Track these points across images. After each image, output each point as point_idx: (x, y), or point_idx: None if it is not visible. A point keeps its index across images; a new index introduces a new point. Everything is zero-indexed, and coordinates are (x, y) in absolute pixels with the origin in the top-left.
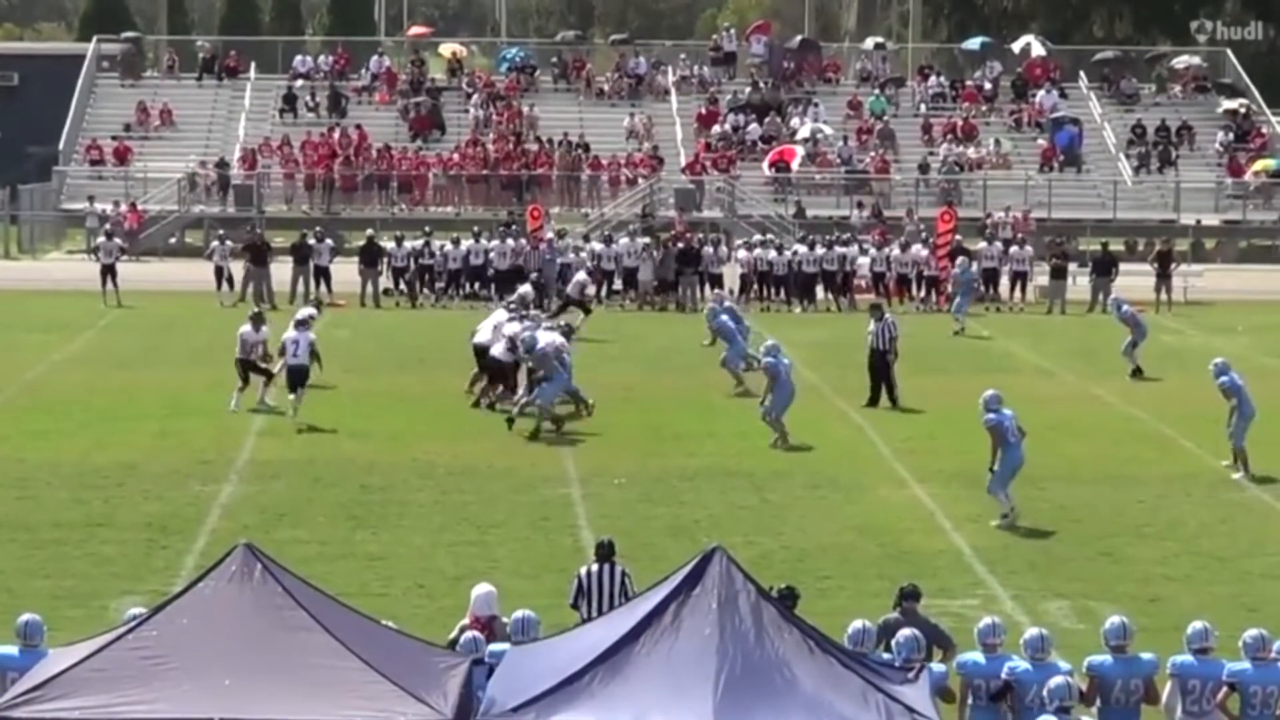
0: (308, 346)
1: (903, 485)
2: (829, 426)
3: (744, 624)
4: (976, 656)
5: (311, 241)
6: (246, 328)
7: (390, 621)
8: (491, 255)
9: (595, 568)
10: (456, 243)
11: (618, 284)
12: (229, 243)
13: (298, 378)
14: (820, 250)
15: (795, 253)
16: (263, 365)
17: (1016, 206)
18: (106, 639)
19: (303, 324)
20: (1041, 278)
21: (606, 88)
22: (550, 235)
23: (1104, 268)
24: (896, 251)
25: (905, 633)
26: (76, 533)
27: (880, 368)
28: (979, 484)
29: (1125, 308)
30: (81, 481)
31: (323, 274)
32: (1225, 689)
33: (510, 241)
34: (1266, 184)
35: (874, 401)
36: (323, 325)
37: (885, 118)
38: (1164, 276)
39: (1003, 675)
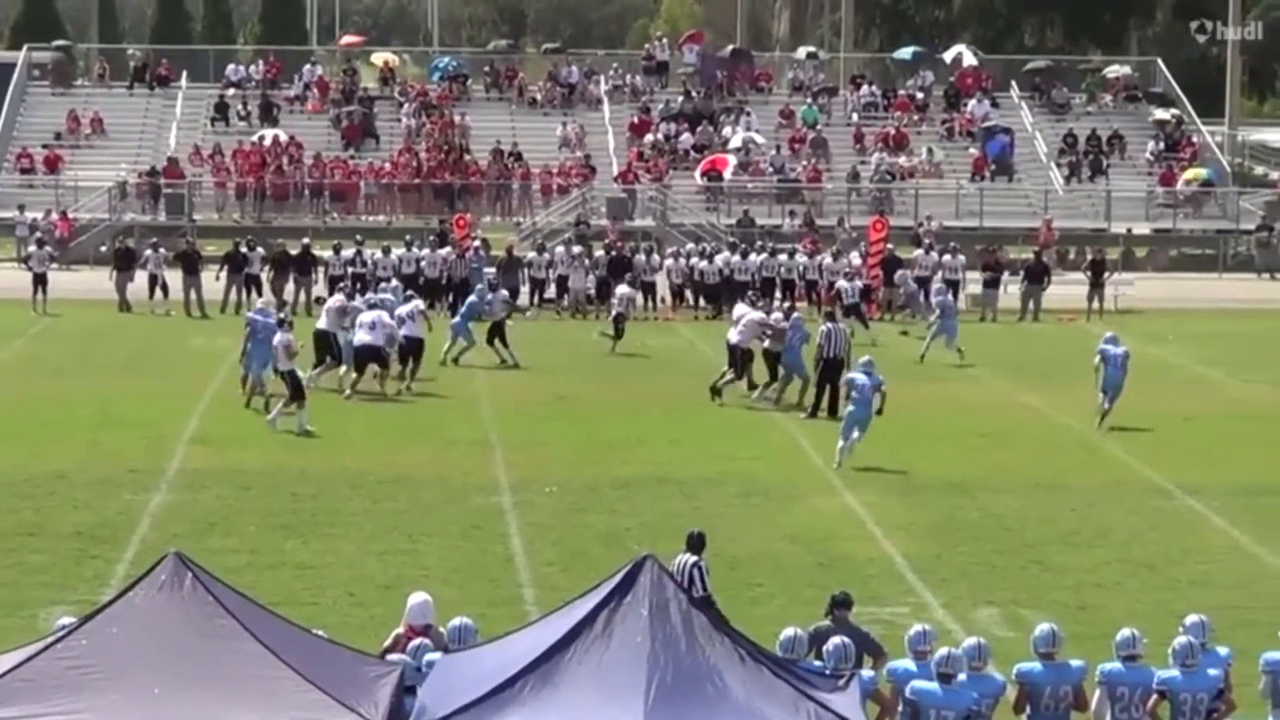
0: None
1: (835, 493)
2: (762, 434)
3: (675, 632)
4: (907, 664)
5: (245, 250)
6: (280, 335)
7: (321, 630)
8: (423, 264)
9: (680, 560)
10: (387, 251)
11: (550, 292)
12: (163, 251)
13: (369, 356)
14: (755, 258)
15: (727, 261)
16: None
17: (1040, 218)
18: (35, 648)
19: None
20: (974, 286)
21: (539, 97)
22: (477, 243)
23: (1035, 276)
24: (829, 260)
25: (835, 640)
26: (6, 541)
27: (830, 375)
28: (911, 492)
29: (941, 298)
30: (12, 490)
31: (254, 282)
32: (1155, 696)
33: (442, 250)
34: (1197, 193)
35: (816, 412)
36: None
37: (817, 127)
38: (1096, 285)
39: (909, 694)
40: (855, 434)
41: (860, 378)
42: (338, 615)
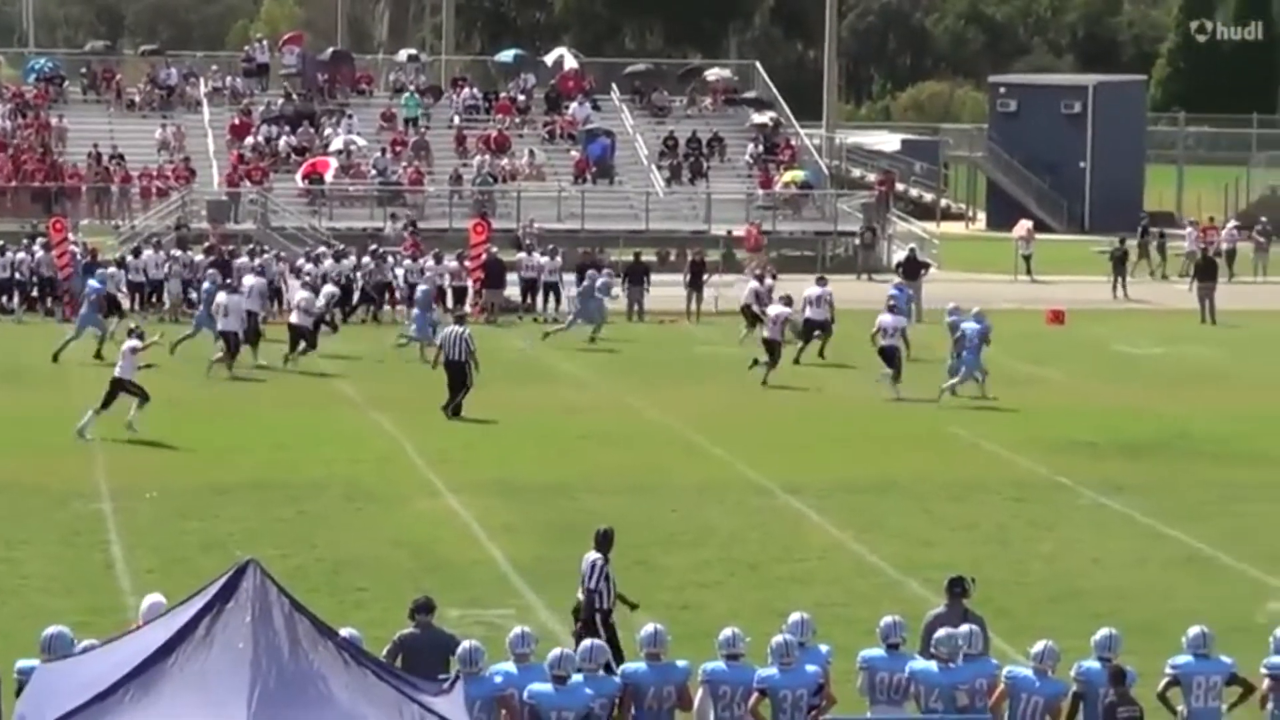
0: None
1: (438, 496)
2: (366, 439)
3: (278, 637)
4: (509, 667)
5: None
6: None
7: None
8: (21, 268)
9: (587, 557)
10: None
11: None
12: None
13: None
14: (365, 260)
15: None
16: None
17: (743, 223)
18: None
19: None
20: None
21: (137, 99)
22: (75, 249)
23: (636, 277)
24: (431, 263)
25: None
26: None
27: (459, 376)
28: (514, 494)
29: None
30: None
31: None
32: (756, 694)
33: (41, 253)
34: (795, 195)
35: (452, 410)
36: None
37: (419, 124)
38: (695, 287)
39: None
40: (962, 375)
41: (972, 325)
42: None
